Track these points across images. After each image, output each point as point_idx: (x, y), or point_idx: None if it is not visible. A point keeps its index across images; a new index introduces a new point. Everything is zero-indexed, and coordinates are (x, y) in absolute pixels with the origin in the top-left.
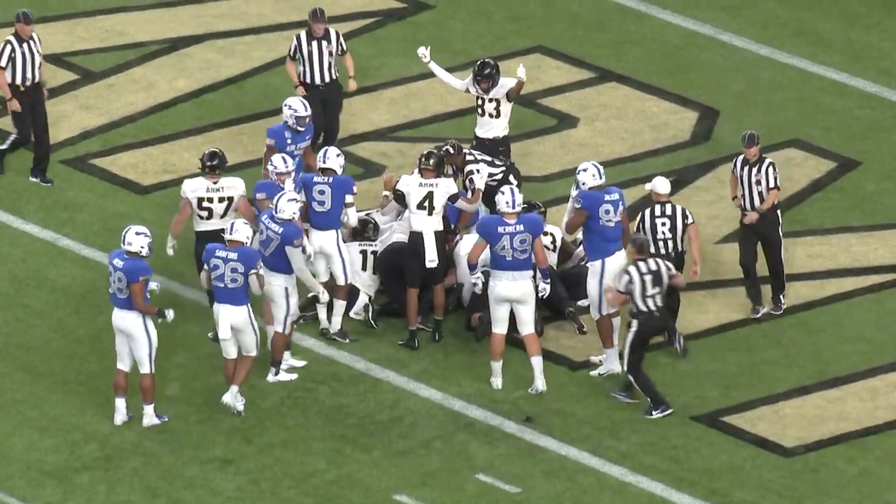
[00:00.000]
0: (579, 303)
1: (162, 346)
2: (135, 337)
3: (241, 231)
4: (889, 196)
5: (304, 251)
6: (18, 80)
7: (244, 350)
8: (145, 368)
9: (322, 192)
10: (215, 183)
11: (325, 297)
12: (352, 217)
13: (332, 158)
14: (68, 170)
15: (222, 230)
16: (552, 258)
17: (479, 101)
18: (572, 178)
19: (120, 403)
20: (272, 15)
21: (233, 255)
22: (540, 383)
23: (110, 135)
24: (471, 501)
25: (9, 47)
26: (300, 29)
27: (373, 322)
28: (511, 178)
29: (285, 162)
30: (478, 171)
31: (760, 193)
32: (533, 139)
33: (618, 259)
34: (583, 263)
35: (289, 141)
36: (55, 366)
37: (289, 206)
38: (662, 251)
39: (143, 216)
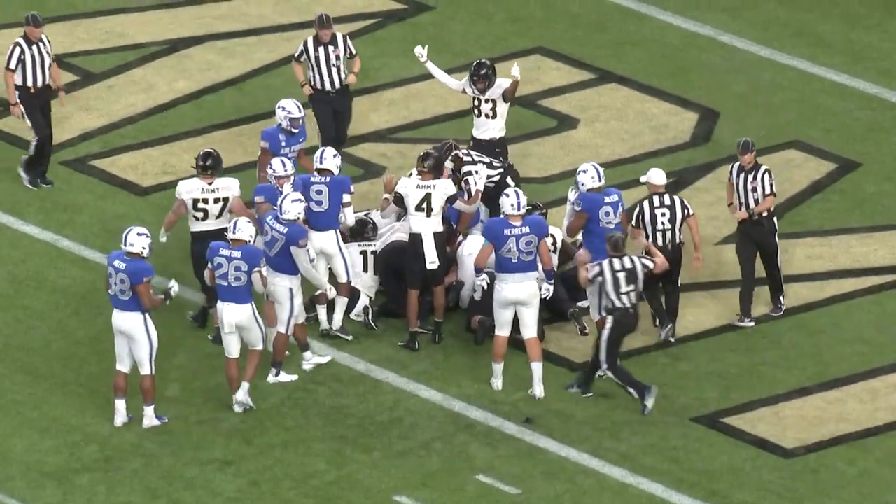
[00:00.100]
0: (580, 304)
1: (162, 348)
2: (135, 338)
3: (245, 230)
4: (889, 197)
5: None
6: (29, 83)
7: (249, 345)
8: (145, 370)
9: (319, 192)
10: (210, 184)
11: (332, 293)
12: (349, 216)
13: (329, 159)
14: (68, 171)
15: (217, 230)
16: (553, 259)
17: (476, 102)
18: (572, 179)
19: (120, 405)
20: (272, 16)
21: (236, 254)
22: (538, 390)
23: (110, 136)
24: (471, 502)
25: (18, 50)
26: (300, 30)
27: (373, 324)
28: (508, 179)
29: (284, 165)
30: (476, 172)
31: (756, 200)
32: (533, 140)
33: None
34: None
35: (283, 143)
36: (55, 367)
37: (293, 206)
38: (660, 242)
39: (142, 217)
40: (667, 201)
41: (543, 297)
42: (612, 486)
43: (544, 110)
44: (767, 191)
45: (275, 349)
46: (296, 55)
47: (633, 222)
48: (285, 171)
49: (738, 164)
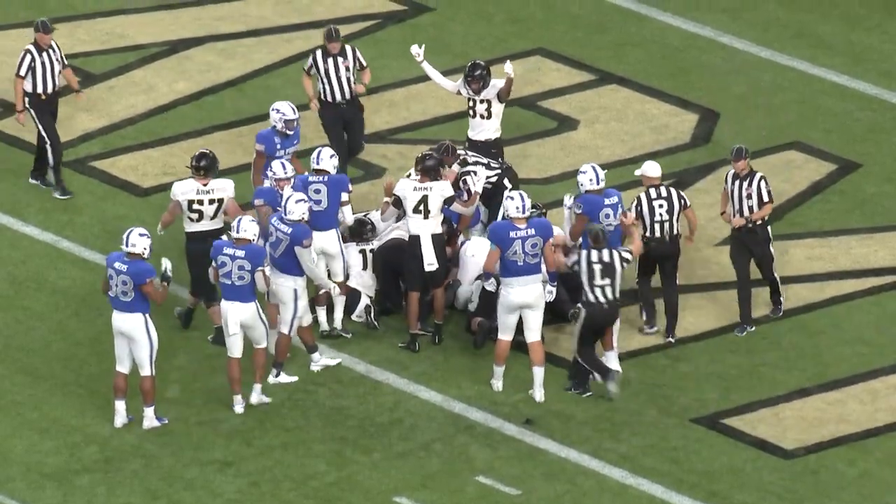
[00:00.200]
0: (580, 305)
1: (162, 349)
2: (136, 339)
3: (249, 229)
4: (889, 198)
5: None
6: (39, 90)
7: (254, 343)
8: (146, 370)
9: (318, 192)
10: (205, 185)
11: (336, 291)
12: (348, 215)
13: (326, 160)
14: (68, 172)
15: (212, 231)
16: (562, 259)
17: (471, 103)
18: (572, 180)
19: (120, 406)
20: (273, 17)
21: (240, 253)
22: (539, 394)
23: (110, 137)
24: (471, 503)
25: (28, 57)
26: (300, 31)
27: (375, 322)
28: (506, 181)
29: (284, 168)
30: (474, 173)
31: (751, 208)
32: (533, 141)
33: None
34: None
35: (278, 146)
36: (55, 368)
37: (297, 206)
38: (658, 233)
39: (142, 218)
40: (663, 193)
41: (547, 299)
42: (612, 486)
43: (544, 111)
44: (765, 198)
45: (276, 350)
46: (305, 68)
47: (632, 214)
48: (285, 173)
49: (732, 171)
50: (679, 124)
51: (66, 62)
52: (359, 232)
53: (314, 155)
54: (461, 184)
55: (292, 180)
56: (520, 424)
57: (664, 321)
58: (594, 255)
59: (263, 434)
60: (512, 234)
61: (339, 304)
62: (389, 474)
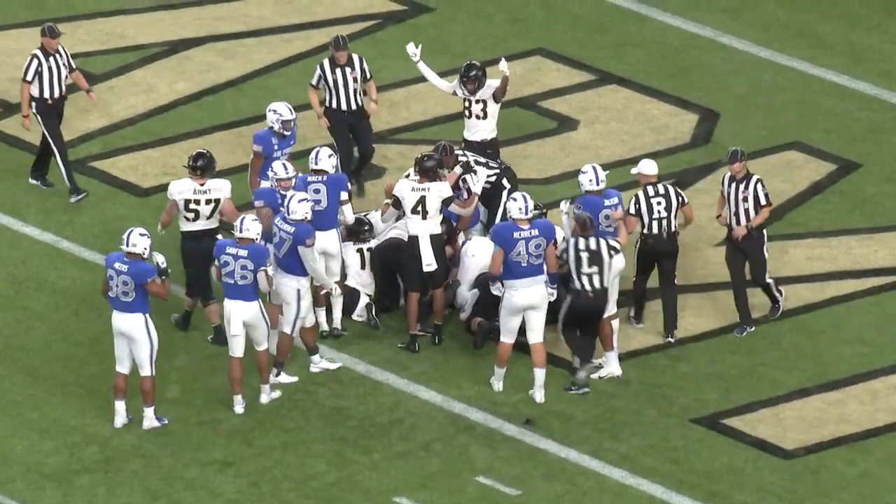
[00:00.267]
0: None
1: (162, 349)
2: (136, 339)
3: (252, 228)
4: (889, 198)
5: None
6: (46, 94)
7: (255, 344)
8: (146, 371)
9: (318, 191)
10: (202, 185)
11: (337, 292)
12: (348, 214)
13: (325, 160)
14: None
15: (208, 230)
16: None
17: (466, 104)
18: (572, 180)
19: (120, 406)
20: (273, 17)
21: (243, 253)
22: (539, 396)
23: (110, 137)
24: (471, 503)
25: (35, 62)
26: (300, 31)
27: (376, 319)
28: (504, 181)
29: (286, 168)
30: (474, 173)
31: (747, 211)
32: (533, 141)
33: (615, 263)
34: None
35: (275, 146)
36: (55, 368)
37: (300, 206)
38: (656, 230)
39: (142, 219)
40: (661, 190)
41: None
42: (612, 487)
43: (544, 111)
44: (763, 201)
45: (278, 349)
46: (313, 82)
47: (632, 211)
48: (287, 173)
49: (729, 173)
50: (679, 124)
51: (73, 66)
52: (356, 231)
53: (312, 155)
54: (460, 183)
55: (293, 180)
56: (520, 425)
57: (662, 321)
58: (581, 242)
59: (263, 434)
60: (515, 234)
61: (338, 304)
62: (389, 474)
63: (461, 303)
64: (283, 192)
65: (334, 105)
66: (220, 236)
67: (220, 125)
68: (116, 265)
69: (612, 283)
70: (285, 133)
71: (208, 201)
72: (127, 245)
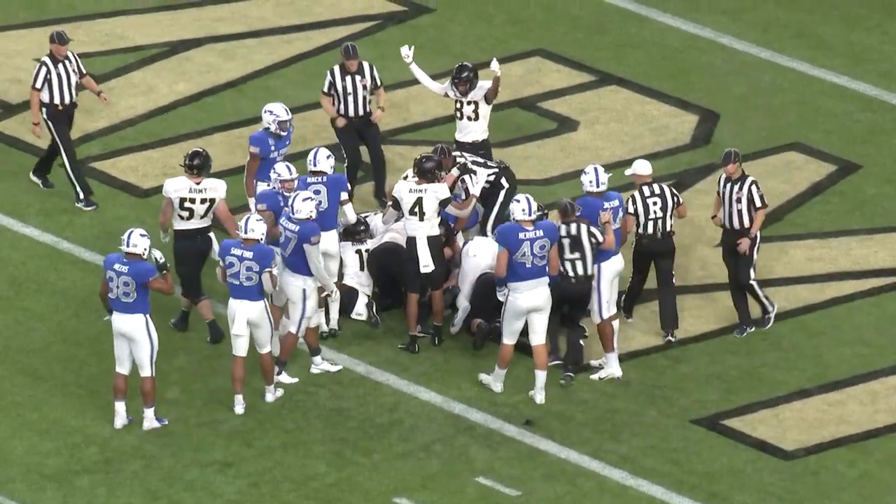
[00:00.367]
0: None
1: (162, 350)
2: (136, 340)
3: (257, 229)
4: (889, 199)
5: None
6: (57, 100)
7: (258, 346)
8: (146, 371)
9: (318, 192)
10: (198, 184)
11: (336, 295)
12: (350, 214)
13: (323, 161)
14: (63, 172)
15: (201, 229)
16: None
17: (458, 105)
18: (572, 181)
19: (120, 407)
20: (273, 18)
21: (248, 254)
22: (539, 397)
23: (110, 138)
24: None
25: (44, 69)
26: (300, 32)
27: (377, 317)
28: (503, 180)
29: (290, 170)
30: (473, 173)
31: (740, 212)
32: (533, 142)
33: (613, 264)
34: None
35: (272, 147)
36: (55, 369)
37: (305, 205)
38: (651, 230)
39: (143, 219)
40: (656, 190)
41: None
42: (612, 488)
43: (544, 112)
44: (758, 203)
45: (282, 348)
46: (325, 89)
47: (630, 211)
48: (291, 174)
49: (724, 174)
50: (679, 125)
51: (84, 70)
52: (352, 232)
53: (311, 157)
54: (459, 185)
55: (296, 181)
56: (520, 425)
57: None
58: (563, 228)
59: (263, 435)
60: (521, 235)
61: (335, 304)
62: (389, 475)
63: (460, 316)
64: (286, 194)
65: (342, 112)
66: (212, 234)
67: (219, 126)
68: (116, 266)
69: (612, 284)
70: (282, 133)
71: (203, 200)
72: (127, 245)
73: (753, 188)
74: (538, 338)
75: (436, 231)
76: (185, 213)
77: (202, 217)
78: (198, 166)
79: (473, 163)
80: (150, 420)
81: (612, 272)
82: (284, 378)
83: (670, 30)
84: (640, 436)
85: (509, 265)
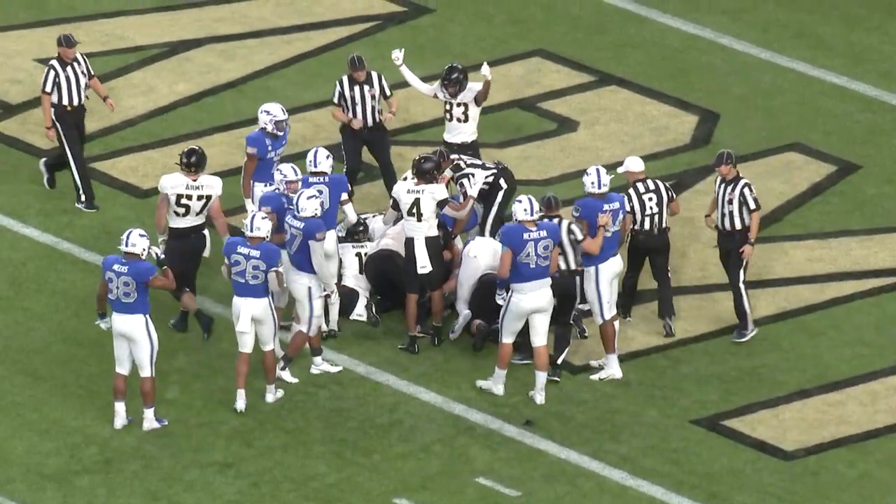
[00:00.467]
0: (580, 306)
1: (162, 350)
2: (136, 340)
3: (262, 227)
4: (889, 200)
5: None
6: (66, 101)
7: (262, 343)
8: (146, 372)
9: (321, 192)
10: (195, 181)
11: (336, 296)
12: (350, 214)
13: (323, 161)
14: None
15: (195, 227)
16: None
17: (448, 106)
18: (572, 181)
19: (119, 407)
20: (273, 18)
21: (255, 253)
22: (539, 398)
23: (110, 138)
24: None
25: (52, 73)
26: (300, 32)
27: (377, 317)
28: (501, 181)
29: (295, 171)
30: (472, 175)
31: (731, 213)
32: (533, 143)
33: (612, 265)
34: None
35: (269, 147)
36: (55, 369)
37: (310, 203)
38: (647, 226)
39: (142, 220)
40: (651, 186)
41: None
42: (612, 488)
43: (544, 113)
44: (752, 206)
45: (291, 344)
46: (335, 100)
47: (626, 209)
48: (296, 175)
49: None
50: (679, 125)
51: (92, 73)
52: (351, 232)
53: (310, 157)
54: (458, 186)
55: (300, 182)
56: (520, 426)
57: (660, 323)
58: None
59: (263, 435)
60: (525, 235)
61: (335, 305)
62: (389, 476)
63: (460, 322)
64: (291, 195)
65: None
66: (206, 232)
67: (220, 126)
68: (115, 267)
69: (612, 285)
70: (278, 133)
71: (199, 197)
72: (126, 245)
73: (746, 190)
74: (540, 339)
75: (434, 232)
76: (181, 210)
77: (198, 214)
78: (195, 163)
79: (471, 164)
80: (149, 420)
81: (611, 273)
82: (286, 376)
83: (670, 30)
84: (640, 436)
85: (513, 266)
